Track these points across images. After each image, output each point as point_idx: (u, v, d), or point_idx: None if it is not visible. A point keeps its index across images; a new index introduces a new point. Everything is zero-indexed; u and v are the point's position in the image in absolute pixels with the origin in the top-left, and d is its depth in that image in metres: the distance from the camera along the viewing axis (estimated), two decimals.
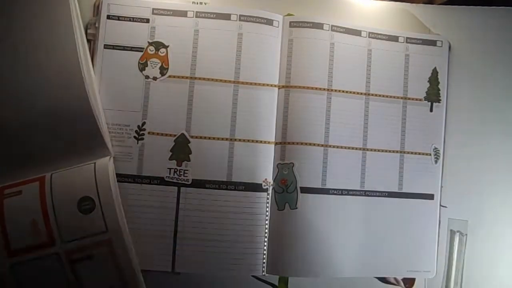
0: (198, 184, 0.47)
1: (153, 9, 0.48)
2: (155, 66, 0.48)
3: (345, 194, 0.50)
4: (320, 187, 0.49)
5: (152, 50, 0.48)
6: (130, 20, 0.48)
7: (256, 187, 0.48)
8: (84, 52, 0.45)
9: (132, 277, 0.42)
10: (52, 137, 0.44)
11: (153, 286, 0.45)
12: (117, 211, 0.42)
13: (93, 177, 0.43)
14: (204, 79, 0.48)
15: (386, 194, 0.51)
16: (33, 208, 0.42)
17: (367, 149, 0.51)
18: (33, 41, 0.44)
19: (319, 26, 0.50)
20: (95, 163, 0.44)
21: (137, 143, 0.47)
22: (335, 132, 0.50)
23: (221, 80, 0.48)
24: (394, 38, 0.52)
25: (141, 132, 0.47)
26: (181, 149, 0.48)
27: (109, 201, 0.42)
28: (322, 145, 0.49)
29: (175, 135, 0.48)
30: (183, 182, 0.47)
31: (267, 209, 0.48)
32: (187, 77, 0.48)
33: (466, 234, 0.52)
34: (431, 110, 0.52)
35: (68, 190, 0.43)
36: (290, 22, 0.50)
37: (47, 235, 0.42)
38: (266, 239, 0.48)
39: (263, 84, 0.49)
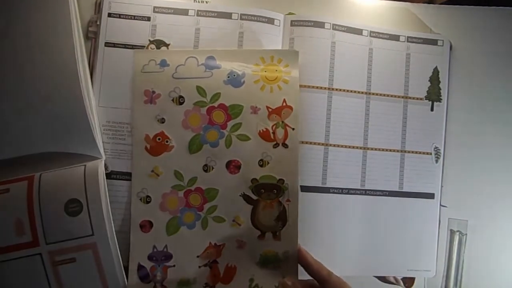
0: None
1: (154, 7, 0.48)
2: None
3: (346, 193, 0.50)
4: (321, 186, 0.49)
5: (153, 48, 0.48)
6: (131, 18, 0.48)
7: None
8: (81, 52, 0.46)
9: (115, 282, 0.42)
10: (44, 137, 0.44)
11: None
12: (104, 216, 0.42)
13: (82, 179, 0.43)
14: None
15: (387, 193, 0.51)
16: (19, 207, 0.42)
17: (368, 148, 0.51)
18: (31, 41, 0.44)
19: (320, 25, 0.50)
20: (85, 165, 0.43)
21: None
22: (336, 131, 0.50)
23: None
24: (395, 37, 0.52)
25: None
26: None
27: (97, 204, 0.42)
28: (322, 144, 0.49)
29: None
30: None
31: None
32: None
33: (466, 234, 0.52)
34: (431, 110, 0.52)
35: (56, 191, 0.42)
36: (291, 21, 0.50)
37: (32, 235, 0.41)
38: None
39: None
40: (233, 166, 0.45)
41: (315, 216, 0.49)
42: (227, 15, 0.49)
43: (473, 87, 0.53)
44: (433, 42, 0.53)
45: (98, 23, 0.47)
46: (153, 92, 0.45)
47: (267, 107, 0.46)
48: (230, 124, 0.46)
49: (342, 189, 0.50)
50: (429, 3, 0.55)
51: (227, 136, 0.46)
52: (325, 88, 0.50)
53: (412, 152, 0.52)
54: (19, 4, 0.44)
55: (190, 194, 0.45)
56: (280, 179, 0.46)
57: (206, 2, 0.50)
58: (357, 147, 0.51)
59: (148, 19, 0.48)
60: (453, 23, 0.53)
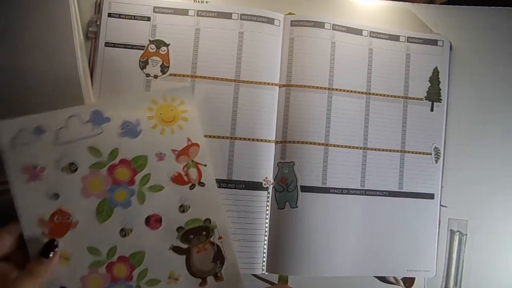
0: None
1: (154, 7, 0.48)
2: (156, 64, 0.48)
3: (346, 193, 0.50)
4: (321, 186, 0.49)
5: (153, 48, 0.48)
6: (131, 18, 0.48)
7: (257, 186, 0.48)
8: (81, 52, 0.45)
9: None
10: None
11: None
12: None
13: None
14: (205, 77, 0.48)
15: (386, 193, 0.51)
16: None
17: (368, 148, 0.51)
18: (31, 41, 0.44)
19: (320, 25, 0.50)
20: None
21: None
22: (336, 131, 0.50)
23: (222, 79, 0.48)
24: (395, 38, 0.52)
25: None
26: None
27: None
28: (322, 144, 0.49)
29: None
30: None
31: (267, 208, 0.48)
32: (188, 76, 0.48)
33: (466, 234, 0.52)
34: (431, 110, 0.52)
35: None
36: (291, 21, 0.50)
37: None
38: (266, 238, 0.48)
39: (264, 83, 0.49)
40: (153, 221, 0.42)
41: (315, 216, 0.49)
42: (227, 15, 0.49)
43: (473, 87, 0.53)
44: (433, 42, 0.53)
45: (98, 23, 0.47)
46: (35, 167, 0.40)
47: (173, 150, 0.42)
48: (137, 178, 0.42)
49: (342, 189, 0.50)
50: (429, 3, 0.55)
51: (138, 191, 0.42)
52: (325, 88, 0.50)
53: (412, 152, 0.52)
54: (19, 4, 0.44)
55: (114, 266, 0.41)
56: (206, 219, 0.43)
57: (206, 2, 0.50)
58: (357, 147, 0.51)
59: (148, 19, 0.48)
60: (453, 23, 0.53)
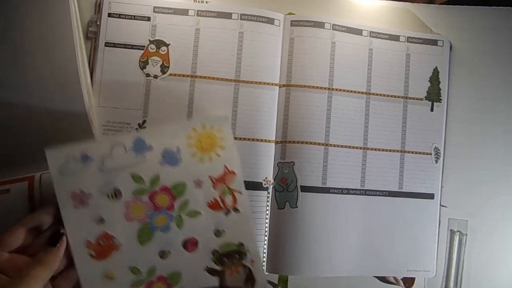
0: None
1: (154, 7, 0.48)
2: (156, 64, 0.48)
3: (346, 193, 0.50)
4: (321, 186, 0.49)
5: (153, 48, 0.48)
6: (131, 18, 0.48)
7: (257, 186, 0.48)
8: (81, 52, 0.45)
9: None
10: (44, 136, 0.44)
11: None
12: None
13: None
14: (205, 77, 0.48)
15: (386, 193, 0.51)
16: (21, 208, 0.42)
17: (368, 148, 0.51)
18: (31, 41, 0.44)
19: (320, 25, 0.50)
20: None
21: None
22: (336, 131, 0.50)
23: (222, 79, 0.48)
24: (395, 38, 0.52)
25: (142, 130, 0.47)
26: None
27: None
28: (322, 144, 0.49)
29: None
30: None
31: (268, 208, 0.48)
32: (188, 76, 0.48)
33: (466, 234, 0.52)
34: (431, 110, 0.53)
35: None
36: (291, 21, 0.50)
37: None
38: (266, 238, 0.48)
39: (264, 83, 0.49)
40: (190, 244, 0.43)
41: (315, 216, 0.49)
42: (227, 15, 0.49)
43: (473, 87, 0.53)
44: (433, 42, 0.53)
45: (98, 23, 0.47)
46: (82, 193, 0.41)
47: (210, 178, 0.44)
48: (176, 204, 0.43)
49: (342, 189, 0.50)
50: (429, 3, 0.55)
51: (176, 217, 0.43)
52: (325, 88, 0.50)
53: (412, 152, 0.52)
54: (19, 4, 0.44)
55: (153, 285, 0.43)
56: (239, 244, 0.44)
57: (206, 2, 0.50)
58: (357, 147, 0.51)
59: (148, 19, 0.48)
60: (453, 23, 0.53)
